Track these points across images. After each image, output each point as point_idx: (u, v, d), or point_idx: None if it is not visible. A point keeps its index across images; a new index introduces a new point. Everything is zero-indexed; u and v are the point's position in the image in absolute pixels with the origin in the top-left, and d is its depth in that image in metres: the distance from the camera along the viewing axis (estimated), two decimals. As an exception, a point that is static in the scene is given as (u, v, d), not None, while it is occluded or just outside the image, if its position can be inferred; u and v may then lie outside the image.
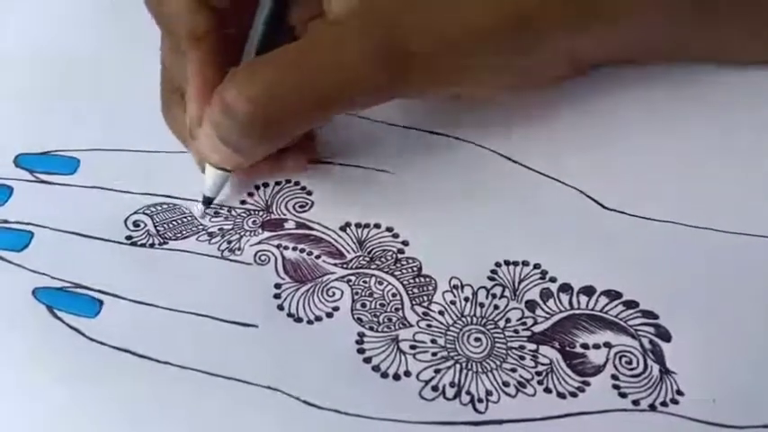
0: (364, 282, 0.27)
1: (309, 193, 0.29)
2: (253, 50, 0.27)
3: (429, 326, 0.26)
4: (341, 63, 0.25)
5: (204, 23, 0.26)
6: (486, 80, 0.27)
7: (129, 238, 0.28)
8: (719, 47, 0.30)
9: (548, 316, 0.26)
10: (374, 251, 0.27)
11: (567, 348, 0.25)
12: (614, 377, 0.25)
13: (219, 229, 0.28)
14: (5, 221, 0.28)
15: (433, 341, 0.25)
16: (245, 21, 0.27)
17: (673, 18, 0.28)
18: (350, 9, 0.26)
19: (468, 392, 0.24)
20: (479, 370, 0.25)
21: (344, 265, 0.27)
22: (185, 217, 0.29)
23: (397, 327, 0.26)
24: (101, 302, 0.26)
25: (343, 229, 0.28)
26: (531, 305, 0.26)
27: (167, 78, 0.29)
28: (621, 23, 0.28)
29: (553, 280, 0.26)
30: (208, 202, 0.28)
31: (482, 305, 0.26)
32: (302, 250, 0.28)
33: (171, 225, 0.28)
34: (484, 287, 0.26)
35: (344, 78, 0.25)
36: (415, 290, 0.27)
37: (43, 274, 0.27)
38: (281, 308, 0.26)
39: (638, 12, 0.27)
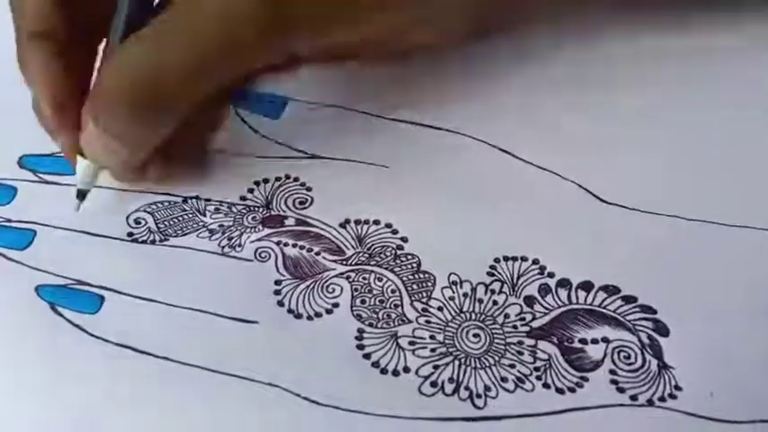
0: (364, 278, 0.27)
1: (309, 190, 0.29)
2: (119, 33, 0.25)
3: (428, 322, 0.26)
4: (223, 16, 0.23)
5: (43, 17, 0.25)
6: (378, 26, 0.26)
7: (130, 234, 0.28)
8: None
9: (546, 311, 0.26)
10: (373, 247, 0.27)
11: (566, 343, 0.25)
12: (613, 372, 0.24)
13: (220, 226, 0.28)
14: (9, 221, 0.28)
15: (432, 337, 0.25)
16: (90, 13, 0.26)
17: None
18: None
19: (466, 388, 0.24)
20: (478, 365, 0.25)
21: (344, 262, 0.27)
22: (186, 214, 0.28)
23: (396, 323, 0.26)
24: (102, 299, 0.26)
25: (342, 225, 0.28)
26: (530, 300, 0.26)
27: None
28: None
29: (551, 275, 0.26)
30: (82, 195, 0.28)
31: (481, 301, 0.26)
32: (302, 247, 0.27)
33: (172, 222, 0.28)
34: (483, 283, 0.26)
35: (228, 32, 0.24)
36: (414, 286, 0.26)
37: (45, 271, 0.27)
38: (281, 304, 0.26)
39: None
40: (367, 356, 0.25)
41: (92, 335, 0.25)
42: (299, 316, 0.26)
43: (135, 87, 0.24)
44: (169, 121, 0.25)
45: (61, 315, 0.26)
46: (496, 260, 0.27)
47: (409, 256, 0.27)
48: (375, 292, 0.26)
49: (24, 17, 0.26)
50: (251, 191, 0.29)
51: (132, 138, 0.25)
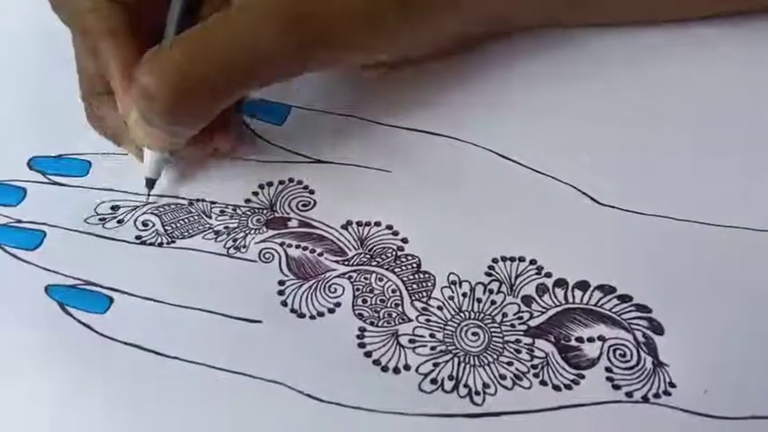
0: (365, 278, 0.26)
1: (312, 193, 0.29)
2: (172, 33, 0.27)
3: (428, 321, 0.26)
4: (248, 37, 0.25)
5: (117, 17, 0.27)
6: (387, 49, 0.28)
7: (138, 237, 0.28)
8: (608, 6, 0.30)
9: (543, 310, 0.25)
10: (375, 248, 0.27)
11: (563, 342, 0.25)
12: (608, 370, 0.24)
13: (225, 228, 0.28)
14: (19, 221, 0.28)
15: (432, 335, 0.25)
16: (157, 17, 0.27)
17: None
18: None
19: (465, 385, 0.24)
20: (477, 363, 0.25)
21: (346, 262, 0.27)
22: (192, 216, 0.28)
23: (396, 322, 0.26)
24: (111, 299, 0.26)
25: (344, 227, 0.28)
26: (527, 300, 0.26)
27: (87, 82, 0.28)
28: None
29: (548, 275, 0.26)
30: (150, 183, 0.28)
31: (479, 300, 0.26)
32: (305, 248, 0.27)
33: (178, 224, 0.28)
34: (481, 283, 0.26)
35: (253, 52, 0.25)
36: (415, 286, 0.26)
37: (56, 271, 0.27)
38: (284, 304, 0.26)
39: None
40: (368, 354, 0.25)
41: (100, 334, 0.25)
42: (302, 315, 0.26)
43: (167, 93, 0.25)
44: (202, 121, 0.26)
45: (70, 314, 0.26)
46: (494, 260, 0.26)
47: (409, 257, 0.27)
48: (376, 291, 0.26)
49: (95, 19, 0.27)
50: (255, 194, 0.29)
51: (169, 130, 0.26)
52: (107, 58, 0.26)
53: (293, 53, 0.26)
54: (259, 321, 0.26)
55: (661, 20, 0.31)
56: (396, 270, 0.27)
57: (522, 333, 0.25)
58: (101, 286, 0.26)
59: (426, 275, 0.26)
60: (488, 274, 0.26)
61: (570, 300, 0.26)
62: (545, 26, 0.31)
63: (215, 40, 0.25)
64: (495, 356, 0.25)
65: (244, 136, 0.30)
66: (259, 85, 0.27)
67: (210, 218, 0.28)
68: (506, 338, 0.25)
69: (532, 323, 0.25)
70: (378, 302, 0.26)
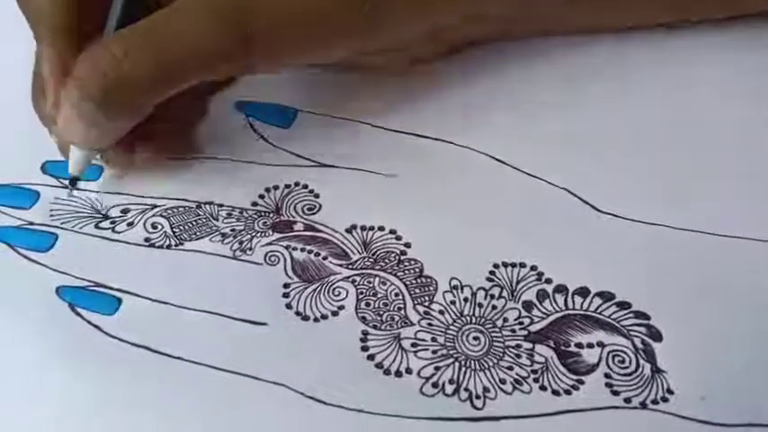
0: (368, 282, 0.26)
1: (317, 197, 0.28)
2: (111, 33, 0.26)
3: (430, 325, 0.25)
4: (187, 33, 0.25)
5: (64, 15, 0.26)
6: (331, 50, 0.27)
7: (147, 239, 0.27)
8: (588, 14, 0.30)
9: (544, 316, 0.25)
10: (378, 252, 0.27)
11: (562, 347, 0.24)
12: (607, 376, 0.24)
13: (232, 230, 0.28)
14: (32, 224, 0.28)
15: (434, 339, 0.25)
16: (104, 14, 0.27)
17: None
18: None
19: (466, 389, 0.24)
20: (477, 368, 0.24)
21: (350, 266, 0.26)
22: (200, 218, 0.28)
23: (399, 325, 0.25)
24: (119, 301, 0.26)
25: (348, 231, 0.27)
26: (528, 305, 0.25)
27: (37, 73, 0.28)
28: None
29: (549, 281, 0.26)
30: (73, 181, 0.28)
31: (481, 305, 0.25)
32: (310, 251, 0.27)
33: (186, 226, 0.28)
34: (482, 288, 0.26)
35: (190, 47, 0.25)
36: (417, 290, 0.26)
37: (66, 273, 0.27)
38: (289, 306, 0.26)
39: None
40: (371, 357, 0.24)
41: (109, 335, 0.25)
42: (306, 318, 0.25)
43: (103, 85, 0.24)
44: (137, 115, 0.26)
45: (80, 315, 0.26)
46: (496, 266, 0.26)
47: (412, 261, 0.26)
48: (379, 295, 0.26)
49: (44, 16, 0.26)
50: (262, 197, 0.28)
51: (100, 124, 0.26)
52: (48, 54, 0.26)
53: (233, 49, 0.25)
54: (264, 323, 0.25)
55: (651, 24, 0.30)
56: (399, 274, 0.26)
57: (522, 338, 0.25)
58: (110, 288, 0.26)
59: (429, 280, 0.26)
60: (490, 280, 0.26)
61: (570, 306, 0.25)
62: (532, 35, 0.30)
63: (155, 35, 0.25)
64: (495, 361, 0.24)
65: (171, 142, 0.29)
66: (197, 80, 0.26)
67: (218, 220, 0.28)
68: (507, 343, 0.25)
69: (533, 328, 0.25)
70: (381, 306, 0.26)
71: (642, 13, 0.30)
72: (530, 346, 0.24)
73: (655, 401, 0.23)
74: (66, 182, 0.29)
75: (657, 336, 0.24)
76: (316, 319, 0.25)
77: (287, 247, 0.27)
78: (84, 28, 0.27)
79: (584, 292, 0.25)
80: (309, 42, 0.26)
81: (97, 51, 0.25)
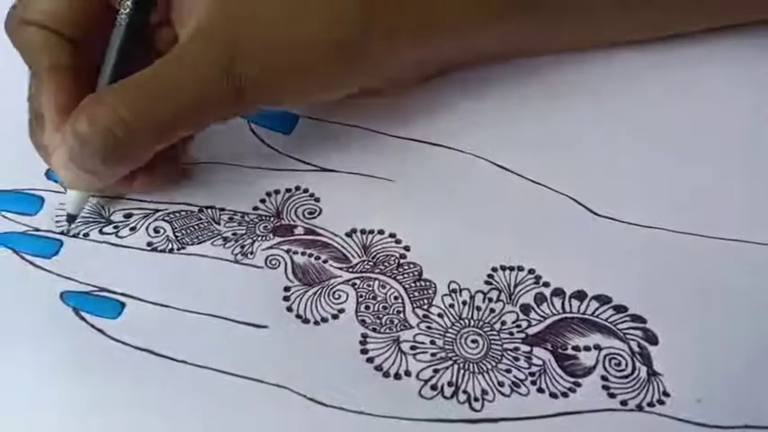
0: (368, 285, 0.26)
1: (318, 201, 0.28)
2: (106, 79, 0.26)
3: (429, 328, 0.25)
4: (183, 88, 0.25)
5: (60, 54, 0.26)
6: (322, 95, 0.28)
7: (149, 244, 0.28)
8: (565, 38, 0.30)
9: (541, 319, 0.25)
10: (378, 256, 0.27)
11: (560, 350, 0.24)
12: (604, 378, 0.24)
13: (233, 234, 0.28)
14: (37, 230, 0.28)
15: (433, 342, 0.25)
16: (101, 50, 0.27)
17: (505, 23, 0.28)
18: (193, 32, 0.25)
19: (464, 391, 0.24)
20: (476, 370, 0.24)
21: (350, 270, 0.27)
22: (202, 223, 0.28)
23: (398, 328, 0.25)
24: (123, 305, 0.26)
25: (348, 235, 0.27)
26: (526, 309, 0.25)
27: (32, 104, 0.28)
28: (457, 32, 0.28)
29: (546, 285, 0.26)
30: (71, 219, 0.28)
31: (479, 308, 0.25)
32: (310, 255, 0.27)
33: (188, 231, 0.28)
34: (481, 291, 0.26)
35: (188, 103, 0.25)
36: (416, 293, 0.26)
37: (70, 278, 0.27)
38: (290, 309, 0.26)
39: (467, 22, 0.27)
40: (370, 360, 0.25)
41: (112, 338, 0.25)
42: (306, 321, 0.26)
43: (106, 142, 0.25)
44: (136, 165, 0.26)
45: (84, 319, 0.26)
46: (494, 269, 0.26)
47: (411, 265, 0.27)
48: (379, 298, 0.26)
49: (40, 56, 0.26)
50: (263, 201, 0.29)
51: (99, 171, 0.26)
52: (45, 91, 0.26)
53: (228, 101, 0.25)
54: (265, 326, 0.25)
55: (643, 39, 0.30)
56: (398, 278, 0.26)
57: (520, 341, 0.25)
58: (114, 292, 0.26)
59: (428, 283, 0.26)
60: (488, 283, 0.26)
61: (567, 309, 0.25)
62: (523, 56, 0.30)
63: (153, 91, 0.25)
64: (493, 363, 0.24)
65: (164, 168, 0.29)
66: (200, 129, 0.27)
67: (219, 224, 0.28)
68: (505, 346, 0.25)
69: (530, 331, 0.25)
70: (380, 309, 0.26)
71: (624, 34, 0.30)
72: (527, 348, 0.25)
73: (651, 404, 0.23)
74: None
75: (653, 339, 0.24)
76: (316, 322, 0.25)
77: (288, 251, 0.27)
78: (80, 66, 0.27)
79: (581, 295, 0.25)
80: (299, 91, 0.27)
81: (98, 107, 0.25)
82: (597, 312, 0.25)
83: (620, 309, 0.25)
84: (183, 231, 0.28)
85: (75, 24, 0.27)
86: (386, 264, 0.27)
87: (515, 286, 0.26)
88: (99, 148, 0.25)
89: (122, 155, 0.25)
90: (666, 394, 0.23)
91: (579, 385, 0.24)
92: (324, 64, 0.26)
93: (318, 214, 0.28)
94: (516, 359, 0.24)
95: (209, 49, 0.25)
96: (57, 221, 0.28)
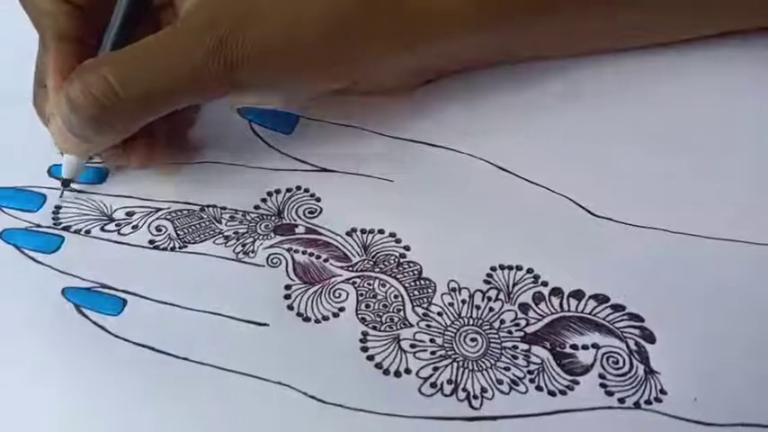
0: (368, 284, 0.26)
1: (318, 200, 0.28)
2: (107, 47, 0.27)
3: (428, 326, 0.25)
4: (175, 61, 0.25)
5: (67, 23, 0.27)
6: (319, 79, 0.28)
7: (151, 242, 0.28)
8: (560, 44, 0.30)
9: (539, 318, 0.25)
10: (378, 255, 0.27)
11: (558, 349, 0.25)
12: (602, 376, 0.24)
13: (235, 233, 0.28)
14: (39, 226, 0.28)
15: (432, 340, 0.25)
16: (106, 19, 0.27)
17: (500, 28, 0.28)
18: (190, 7, 0.26)
19: (464, 389, 0.24)
20: (475, 368, 0.24)
21: (350, 268, 0.27)
22: (203, 221, 0.28)
23: (398, 326, 0.25)
24: (124, 302, 0.26)
25: (349, 234, 0.27)
26: (524, 307, 0.25)
27: (39, 73, 0.28)
28: (457, 31, 0.27)
29: (545, 284, 0.26)
30: (65, 183, 0.28)
31: (478, 307, 0.25)
32: (311, 254, 0.27)
33: (190, 229, 0.28)
34: (480, 290, 0.26)
35: (178, 76, 0.25)
36: (416, 292, 0.26)
37: (72, 274, 0.27)
38: (290, 308, 0.26)
39: (461, 27, 0.27)
40: (371, 358, 0.25)
41: (114, 335, 0.25)
42: (307, 319, 0.25)
43: (94, 108, 0.25)
44: (121, 135, 0.26)
45: (85, 316, 0.26)
46: (493, 269, 0.26)
47: (411, 264, 0.27)
48: (379, 297, 0.26)
49: (47, 22, 0.27)
50: (264, 200, 0.29)
51: (90, 138, 0.26)
52: (50, 58, 0.26)
53: (220, 77, 0.25)
54: (266, 324, 0.25)
55: (635, 45, 0.31)
56: (398, 276, 0.26)
57: (518, 339, 0.25)
58: (115, 289, 0.26)
59: (427, 282, 0.26)
60: (487, 282, 0.26)
61: (565, 308, 0.25)
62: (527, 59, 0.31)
63: (145, 62, 0.25)
64: (492, 362, 0.24)
65: (163, 147, 0.29)
66: (185, 105, 0.27)
67: (221, 223, 0.28)
68: (504, 344, 0.25)
69: (529, 330, 0.25)
70: (380, 308, 0.26)
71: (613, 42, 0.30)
72: (526, 347, 0.25)
73: (648, 402, 0.23)
74: (73, 185, 0.29)
75: (651, 338, 0.24)
76: (317, 321, 0.25)
77: (288, 250, 0.27)
78: (85, 35, 0.27)
79: (579, 294, 0.25)
80: (295, 72, 0.26)
81: (89, 74, 0.25)
82: (595, 311, 0.25)
83: (617, 308, 0.25)
84: (185, 230, 0.28)
85: None
86: (386, 263, 0.27)
87: (514, 285, 0.26)
88: (86, 114, 0.25)
89: (109, 122, 0.25)
90: (663, 392, 0.23)
91: (577, 383, 0.24)
92: (324, 41, 0.26)
93: (319, 214, 0.28)
94: (515, 357, 0.24)
95: (203, 23, 0.25)
96: (53, 215, 0.28)
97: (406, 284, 0.26)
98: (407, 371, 0.24)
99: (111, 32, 0.27)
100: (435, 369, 0.24)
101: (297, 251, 0.27)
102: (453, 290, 0.26)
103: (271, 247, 0.27)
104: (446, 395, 0.24)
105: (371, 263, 0.27)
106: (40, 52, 0.28)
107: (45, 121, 0.28)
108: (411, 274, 0.26)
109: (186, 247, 0.27)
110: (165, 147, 0.29)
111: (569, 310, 0.25)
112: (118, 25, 0.27)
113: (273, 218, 0.28)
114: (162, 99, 0.25)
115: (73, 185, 0.29)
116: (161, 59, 0.25)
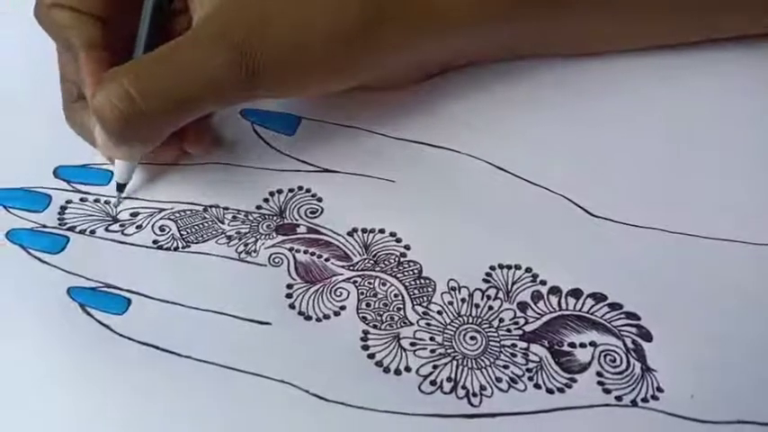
0: (369, 283, 0.26)
1: (320, 201, 0.28)
2: (140, 51, 0.27)
3: (428, 324, 0.25)
4: (195, 69, 0.25)
5: (93, 32, 0.27)
6: (331, 82, 0.28)
7: (155, 242, 0.28)
8: (574, 40, 0.30)
9: (538, 316, 0.25)
10: (378, 254, 0.27)
11: (556, 347, 0.25)
12: (599, 374, 0.24)
13: (237, 233, 0.28)
14: (44, 226, 0.28)
15: (432, 339, 0.25)
16: (134, 29, 0.27)
17: (515, 20, 0.28)
18: (208, 15, 0.26)
19: (463, 387, 0.24)
20: (474, 366, 0.24)
21: (351, 268, 0.27)
22: (206, 221, 0.28)
23: (398, 325, 0.25)
24: (129, 301, 0.26)
25: (350, 233, 0.27)
26: (523, 306, 0.25)
27: (68, 88, 0.28)
28: (462, 28, 0.28)
29: (543, 283, 0.26)
30: (120, 188, 0.28)
31: (477, 306, 0.26)
32: (312, 253, 0.27)
33: (193, 229, 0.28)
34: (479, 289, 0.26)
35: (202, 83, 0.25)
36: (416, 291, 0.26)
37: (77, 274, 0.27)
38: (292, 307, 0.26)
39: (480, 15, 0.27)
40: (371, 356, 0.25)
41: (118, 334, 0.25)
42: (308, 318, 0.26)
43: (117, 119, 0.25)
44: (151, 144, 0.27)
45: (91, 315, 0.26)
46: (492, 268, 0.26)
47: (411, 263, 0.27)
48: (379, 296, 0.26)
49: (75, 35, 0.27)
50: (266, 200, 0.29)
51: (121, 146, 0.26)
52: (84, 69, 0.27)
53: (239, 82, 0.25)
54: (268, 323, 0.25)
55: (632, 47, 0.31)
56: (398, 275, 0.26)
57: (517, 338, 0.25)
58: (120, 289, 0.26)
59: (427, 281, 0.26)
60: (486, 281, 0.26)
61: (564, 307, 0.25)
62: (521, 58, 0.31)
63: (164, 71, 0.25)
64: (491, 360, 0.24)
65: (212, 140, 0.30)
66: (207, 112, 0.27)
67: (223, 223, 0.28)
68: (503, 343, 0.25)
69: (527, 328, 0.25)
70: (381, 306, 0.26)
71: (618, 43, 0.30)
72: (525, 345, 0.25)
73: (645, 399, 0.23)
74: (78, 186, 0.29)
75: (647, 336, 0.25)
76: (318, 319, 0.26)
77: (290, 250, 0.27)
78: (113, 43, 0.27)
79: (577, 293, 0.26)
80: (309, 75, 0.27)
81: (111, 83, 0.25)
82: (593, 310, 0.25)
83: (615, 306, 0.25)
84: (188, 230, 0.28)
85: (103, 4, 0.27)
86: (386, 262, 0.27)
87: (513, 284, 0.26)
88: (111, 125, 0.25)
89: (132, 132, 0.25)
90: (660, 390, 0.24)
91: (575, 381, 0.24)
92: (332, 44, 0.26)
93: (320, 214, 0.28)
94: (514, 355, 0.25)
95: (223, 31, 0.25)
96: (59, 215, 0.28)
97: (407, 283, 0.26)
98: (407, 369, 0.24)
99: (140, 41, 0.27)
100: (435, 367, 0.24)
101: (298, 251, 0.27)
102: (453, 289, 0.26)
103: (273, 246, 0.27)
104: (446, 393, 0.24)
105: (372, 262, 0.27)
106: (68, 68, 0.28)
107: (83, 134, 0.28)
108: (411, 273, 0.26)
109: (189, 246, 0.28)
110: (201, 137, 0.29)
111: (567, 309, 0.25)
112: (147, 29, 0.27)
113: (275, 218, 0.28)
114: (184, 107, 0.25)
115: (78, 188, 0.29)
116: (181, 68, 0.25)
